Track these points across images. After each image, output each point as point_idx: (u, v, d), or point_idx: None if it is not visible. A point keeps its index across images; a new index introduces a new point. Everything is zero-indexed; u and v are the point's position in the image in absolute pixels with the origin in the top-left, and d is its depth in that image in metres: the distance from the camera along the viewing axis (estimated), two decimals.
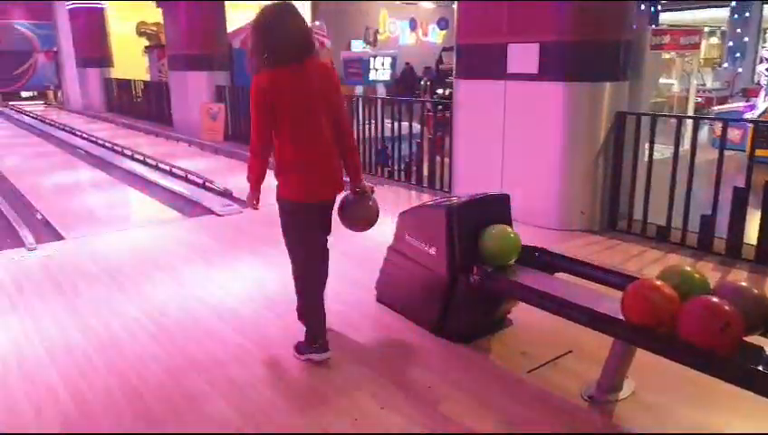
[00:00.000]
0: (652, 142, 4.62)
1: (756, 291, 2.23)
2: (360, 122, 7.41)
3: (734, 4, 17.11)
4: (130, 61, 16.83)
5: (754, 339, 2.18)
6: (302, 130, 2.62)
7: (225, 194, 6.44)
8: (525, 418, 2.45)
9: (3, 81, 20.53)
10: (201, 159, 9.24)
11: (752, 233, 4.22)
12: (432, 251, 3.09)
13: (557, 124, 4.82)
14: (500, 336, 3.13)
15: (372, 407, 2.53)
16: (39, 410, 2.54)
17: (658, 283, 2.27)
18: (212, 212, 5.80)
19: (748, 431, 2.35)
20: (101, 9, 16.62)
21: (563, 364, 2.84)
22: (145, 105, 14.17)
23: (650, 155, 4.63)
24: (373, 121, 7.22)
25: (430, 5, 21.53)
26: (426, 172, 6.63)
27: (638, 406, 2.50)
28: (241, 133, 9.72)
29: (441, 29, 21.61)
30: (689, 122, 4.77)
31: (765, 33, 17.85)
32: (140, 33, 18.09)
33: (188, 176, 7.58)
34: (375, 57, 9.57)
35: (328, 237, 2.94)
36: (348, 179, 2.91)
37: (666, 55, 6.35)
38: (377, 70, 9.38)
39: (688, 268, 2.43)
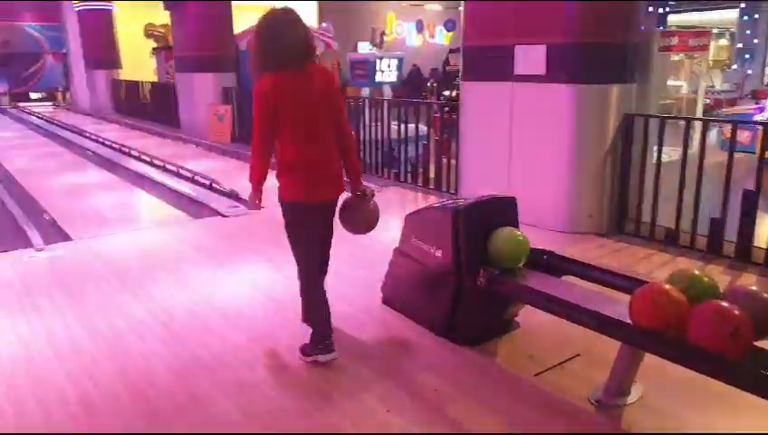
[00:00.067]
0: (660, 144, 4.59)
1: (767, 295, 2.20)
2: (367, 124, 7.41)
3: (743, 5, 17.01)
4: (138, 62, 16.92)
5: (765, 344, 2.15)
6: (303, 132, 2.67)
7: (232, 195, 6.45)
8: (532, 422, 2.44)
9: (12, 82, 20.68)
10: (208, 160, 9.26)
11: (762, 236, 4.19)
12: (438, 253, 3.08)
13: (564, 126, 4.80)
14: (507, 339, 3.12)
15: (378, 410, 2.52)
16: (46, 410, 2.55)
17: (667, 287, 2.25)
18: (218, 213, 5.81)
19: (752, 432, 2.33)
20: (110, 11, 16.73)
21: (571, 368, 2.83)
22: (152, 106, 14.22)
23: (658, 157, 4.60)
24: (379, 123, 7.21)
25: (437, 7, 21.52)
26: (432, 174, 6.62)
27: (646, 411, 2.48)
28: (248, 135, 9.72)
29: (448, 31, 21.58)
30: (698, 124, 4.74)
31: None
32: (148, 35, 18.19)
33: (195, 177, 7.60)
34: (381, 59, 9.55)
35: (330, 238, 2.96)
36: (348, 180, 2.94)
37: (674, 57, 6.31)
38: (383, 71, 9.36)
39: (697, 272, 2.40)
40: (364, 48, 18.32)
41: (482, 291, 2.90)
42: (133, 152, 9.86)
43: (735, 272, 4.06)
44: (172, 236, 5.19)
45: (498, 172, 5.28)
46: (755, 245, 4.18)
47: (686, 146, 4.47)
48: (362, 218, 3.01)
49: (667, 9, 16.95)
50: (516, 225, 3.12)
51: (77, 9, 16.80)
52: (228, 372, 2.85)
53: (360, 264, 4.14)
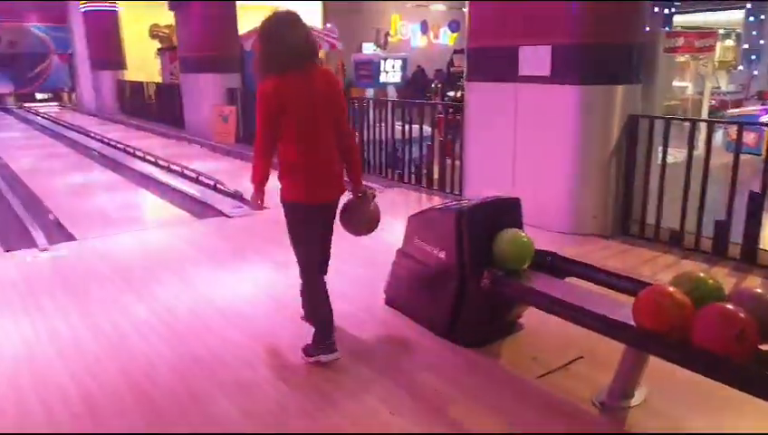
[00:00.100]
0: (665, 146, 4.56)
1: None
2: (371, 125, 7.40)
3: (749, 6, 16.93)
4: (143, 63, 16.97)
5: None
6: (305, 134, 2.71)
7: (236, 196, 6.46)
8: (535, 423, 2.43)
9: (18, 83, 20.78)
10: (212, 160, 9.28)
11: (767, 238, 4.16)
12: (442, 255, 3.07)
13: (569, 127, 4.78)
14: (510, 341, 3.10)
15: (380, 410, 2.51)
16: (49, 409, 2.55)
17: (671, 289, 2.23)
18: (222, 214, 5.82)
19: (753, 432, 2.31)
20: (115, 12, 16.80)
21: (574, 370, 2.81)
22: (157, 107, 14.26)
23: (663, 158, 4.58)
24: (383, 124, 7.21)
25: (442, 8, 21.51)
26: (436, 175, 6.61)
27: (650, 413, 2.46)
28: (252, 135, 9.65)
29: (452, 31, 21.56)
30: (703, 126, 4.72)
31: None
32: (153, 36, 18.22)
33: (199, 178, 7.62)
34: (386, 59, 9.57)
35: (330, 238, 2.99)
36: (348, 180, 2.97)
37: (680, 58, 6.28)
38: (387, 72, 9.37)
39: (702, 274, 2.39)
40: (369, 49, 18.34)
41: (485, 292, 2.88)
42: (138, 153, 9.89)
43: (741, 274, 4.03)
44: (176, 236, 5.20)
45: (502, 173, 5.26)
46: (761, 247, 4.15)
47: (691, 147, 4.44)
48: (363, 220, 3.04)
49: (673, 10, 16.88)
50: (520, 226, 3.11)
51: (83, 10, 16.87)
52: (230, 371, 2.84)
53: (363, 264, 4.14)
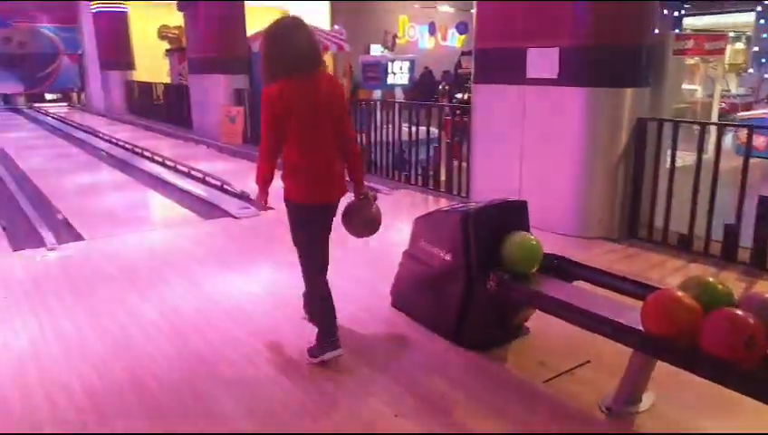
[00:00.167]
0: (674, 149, 4.53)
1: None
2: (378, 126, 7.40)
3: (759, 8, 16.83)
4: (152, 64, 17.06)
5: None
6: (308, 137, 2.78)
7: (243, 197, 6.47)
8: (541, 428, 2.41)
9: (28, 83, 20.94)
10: (219, 161, 9.30)
11: None
12: (448, 257, 3.05)
13: (577, 130, 4.76)
14: (517, 345, 3.08)
15: (385, 413, 2.50)
16: (54, 408, 2.56)
17: (679, 293, 2.21)
18: (229, 215, 5.83)
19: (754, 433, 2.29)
20: (124, 12, 16.90)
21: (581, 374, 2.79)
22: (165, 108, 14.33)
23: (672, 162, 4.55)
24: (390, 126, 7.20)
25: (450, 9, 21.51)
26: (443, 177, 6.59)
27: (658, 419, 2.44)
28: (259, 136, 9.74)
29: (460, 33, 21.56)
30: (713, 129, 4.68)
31: None
32: (162, 37, 18.33)
33: (206, 178, 7.64)
34: (393, 61, 9.57)
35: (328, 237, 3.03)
36: (349, 180, 3.02)
37: (689, 60, 6.24)
38: (395, 74, 9.37)
39: (711, 279, 2.36)
40: (376, 50, 18.36)
41: (491, 295, 2.87)
42: (146, 153, 9.93)
43: (750, 279, 3.99)
44: (183, 236, 5.21)
45: (509, 175, 5.24)
46: None
47: (700, 150, 4.41)
48: (365, 221, 3.09)
49: (683, 12, 16.80)
50: (527, 228, 3.09)
51: (94, 11, 16.98)
52: (234, 371, 2.84)
53: (369, 266, 4.13)
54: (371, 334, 3.23)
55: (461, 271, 2.97)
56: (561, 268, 3.01)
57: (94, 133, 12.92)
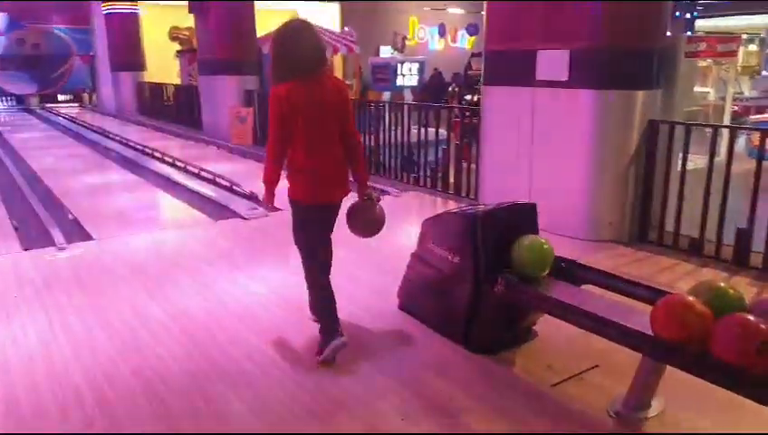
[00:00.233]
0: (686, 152, 4.49)
1: None
2: (387, 128, 7.40)
3: None
4: (163, 65, 17.17)
5: None
6: (314, 137, 2.83)
7: (252, 198, 6.49)
8: (549, 433, 2.39)
9: (41, 84, 21.14)
10: (229, 162, 9.33)
11: None
12: (456, 259, 3.04)
13: (587, 132, 4.73)
14: (525, 349, 3.07)
15: (392, 416, 2.49)
16: (63, 408, 2.57)
17: (690, 298, 2.19)
18: (238, 215, 5.84)
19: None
20: (136, 14, 17.02)
21: (590, 379, 2.77)
22: (175, 108, 14.40)
23: (683, 165, 4.51)
24: (399, 127, 7.20)
25: (460, 11, 21.48)
26: (452, 179, 6.57)
27: (667, 425, 2.42)
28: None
29: (470, 35, 21.53)
30: (725, 131, 4.63)
31: None
32: (173, 38, 18.43)
33: (216, 179, 7.67)
34: (402, 63, 9.58)
35: (330, 235, 3.09)
36: (352, 181, 3.06)
37: (702, 63, 6.17)
38: (404, 75, 9.38)
39: (722, 283, 2.34)
40: (386, 52, 18.39)
41: (499, 298, 2.85)
42: (156, 153, 9.99)
43: (762, 284, 3.94)
44: (192, 237, 5.23)
45: (519, 177, 5.22)
46: None
47: (712, 153, 4.36)
48: (369, 222, 3.14)
49: (695, 14, 16.68)
50: (536, 231, 3.07)
51: (105, 12, 17.11)
52: (242, 374, 2.85)
53: (376, 267, 4.12)
54: (379, 337, 3.22)
55: (469, 273, 2.95)
56: (570, 272, 2.99)
57: (105, 134, 13.01)
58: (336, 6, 18.64)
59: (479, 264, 2.92)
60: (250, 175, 7.76)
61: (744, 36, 14.10)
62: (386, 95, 9.66)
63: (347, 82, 11.17)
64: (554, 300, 2.70)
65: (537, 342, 3.13)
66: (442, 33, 21.45)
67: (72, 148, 11.52)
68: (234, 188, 7.10)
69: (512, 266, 2.88)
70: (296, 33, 2.81)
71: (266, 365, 2.93)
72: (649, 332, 2.25)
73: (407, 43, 20.14)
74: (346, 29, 14.34)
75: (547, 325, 3.09)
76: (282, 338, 3.21)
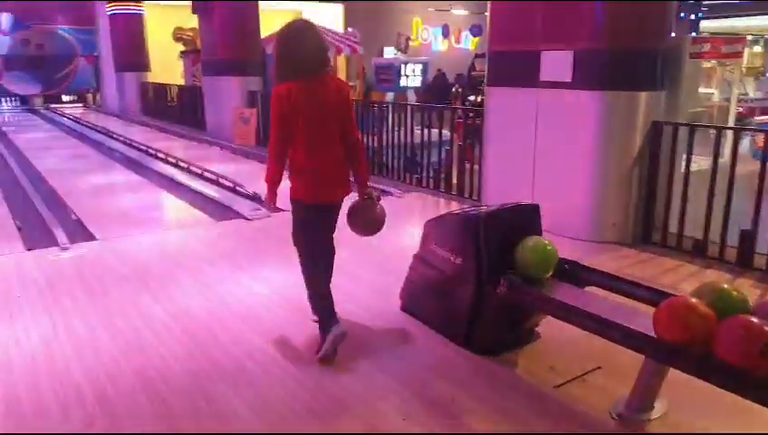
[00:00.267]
0: (690, 153, 4.47)
1: None
2: (390, 129, 7.40)
3: None
4: (167, 65, 17.21)
5: None
6: (315, 137, 2.85)
7: (255, 198, 6.49)
8: (551, 434, 2.39)
9: (45, 84, 21.21)
10: (232, 163, 9.34)
11: None
12: (458, 260, 3.03)
13: (591, 133, 4.72)
14: (527, 350, 3.06)
15: (394, 417, 2.49)
16: (65, 408, 2.57)
17: (693, 300, 2.18)
18: (241, 216, 5.85)
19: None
20: (140, 14, 17.06)
21: (592, 380, 2.76)
22: (179, 109, 14.44)
23: (687, 166, 4.49)
24: (402, 128, 7.19)
25: (463, 12, 21.47)
26: (455, 180, 6.57)
27: (670, 427, 2.40)
28: None
29: (474, 36, 21.51)
30: (729, 133, 4.62)
31: None
32: (177, 39, 18.48)
33: (219, 180, 7.68)
34: (406, 64, 9.59)
35: (333, 235, 3.14)
36: (353, 181, 3.10)
37: (706, 64, 6.16)
38: (408, 76, 9.38)
39: (726, 285, 2.32)
40: (389, 53, 18.39)
41: (502, 300, 2.85)
42: (159, 154, 10.00)
43: (766, 286, 3.92)
44: (195, 238, 5.24)
45: (522, 178, 5.21)
46: None
47: (716, 155, 4.35)
48: (369, 221, 3.16)
49: (700, 15, 16.60)
50: (540, 232, 3.06)
51: (109, 12, 17.16)
52: (244, 374, 2.84)
53: (378, 268, 4.12)
54: (380, 336, 3.22)
55: (471, 274, 2.95)
56: (573, 273, 2.98)
57: (109, 134, 13.04)
58: (340, 7, 18.66)
59: (482, 265, 2.91)
60: (253, 176, 7.76)
61: (749, 37, 14.05)
62: (389, 96, 9.66)
63: (350, 83, 11.18)
64: (557, 301, 2.69)
65: (540, 343, 3.12)
66: (446, 34, 21.44)
67: (76, 148, 11.54)
68: (237, 188, 7.11)
69: (515, 268, 2.87)
70: (299, 34, 2.83)
71: (267, 364, 2.93)
72: (652, 333, 2.24)
73: (410, 43, 20.14)
74: (350, 30, 14.35)
75: (550, 327, 3.08)
76: (283, 337, 3.21)
